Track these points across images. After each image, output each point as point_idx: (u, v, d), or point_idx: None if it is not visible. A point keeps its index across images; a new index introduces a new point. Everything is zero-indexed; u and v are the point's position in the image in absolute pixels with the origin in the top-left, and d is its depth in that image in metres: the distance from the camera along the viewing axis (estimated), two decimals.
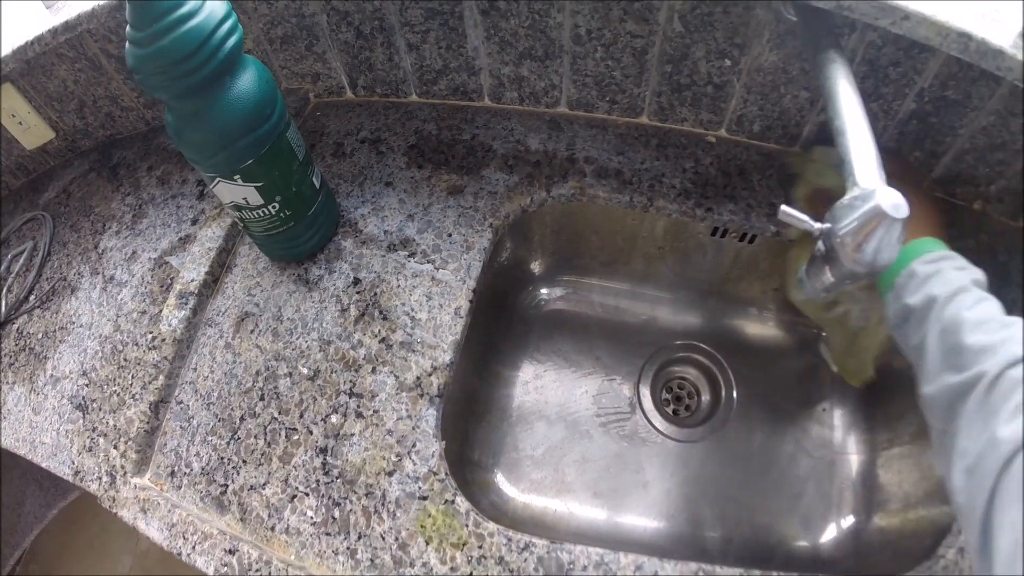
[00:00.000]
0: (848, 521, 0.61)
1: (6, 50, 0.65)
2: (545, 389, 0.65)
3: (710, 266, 0.65)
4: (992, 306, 0.38)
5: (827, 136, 0.45)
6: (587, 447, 0.64)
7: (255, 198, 0.49)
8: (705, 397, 0.68)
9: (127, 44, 0.41)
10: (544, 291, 0.69)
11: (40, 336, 0.64)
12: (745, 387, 0.67)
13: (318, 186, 0.54)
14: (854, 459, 0.64)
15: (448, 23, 0.57)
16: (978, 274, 0.41)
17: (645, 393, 0.66)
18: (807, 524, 0.61)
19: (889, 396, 0.64)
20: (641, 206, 0.57)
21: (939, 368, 0.37)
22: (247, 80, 0.45)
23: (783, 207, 0.41)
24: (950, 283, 0.39)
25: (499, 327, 0.66)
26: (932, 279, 0.40)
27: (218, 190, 0.49)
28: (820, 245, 0.41)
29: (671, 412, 0.67)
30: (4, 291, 0.70)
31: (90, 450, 0.55)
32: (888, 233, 0.36)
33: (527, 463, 0.62)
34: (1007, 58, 0.42)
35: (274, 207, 0.50)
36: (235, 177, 0.47)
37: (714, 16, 0.52)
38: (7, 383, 0.63)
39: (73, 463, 0.55)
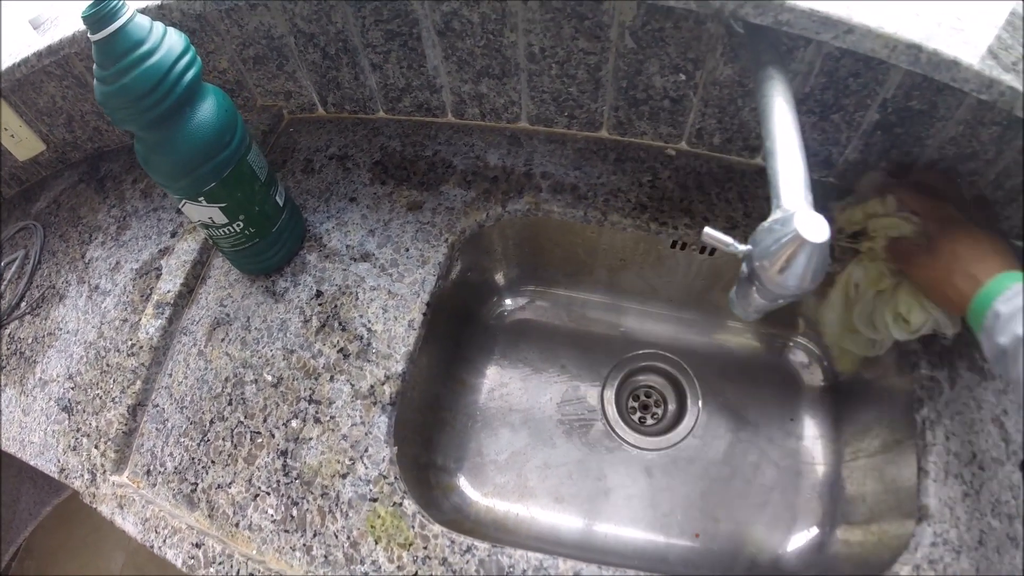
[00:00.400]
0: (812, 532, 0.64)
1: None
2: (510, 396, 0.71)
3: (674, 277, 0.69)
4: None
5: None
6: (550, 453, 0.69)
7: (220, 217, 0.55)
8: (671, 406, 0.72)
9: (95, 80, 0.47)
10: (509, 301, 0.75)
11: (30, 341, 0.72)
12: (712, 396, 0.71)
13: (282, 204, 0.60)
14: (820, 470, 0.67)
15: (407, 44, 0.62)
16: None
17: (610, 400, 0.71)
18: (771, 534, 0.64)
19: (857, 407, 0.67)
20: (596, 220, 0.62)
21: None
22: (207, 110, 0.51)
23: (707, 229, 0.42)
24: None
25: (464, 337, 0.71)
26: (1016, 317, 0.41)
27: (186, 210, 0.55)
28: (744, 268, 0.42)
29: (637, 420, 0.71)
30: None
31: (74, 449, 0.62)
32: (809, 259, 0.36)
33: (491, 468, 0.68)
34: (963, 69, 0.44)
35: (238, 225, 0.57)
36: (200, 199, 0.53)
37: (665, 31, 0.55)
38: None
39: (59, 461, 0.63)
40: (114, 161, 0.82)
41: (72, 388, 0.66)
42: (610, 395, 0.71)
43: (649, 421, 0.72)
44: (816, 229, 0.36)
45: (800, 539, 0.64)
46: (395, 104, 0.69)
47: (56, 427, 0.64)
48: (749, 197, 0.64)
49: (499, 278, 0.73)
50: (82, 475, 0.61)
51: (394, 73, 0.65)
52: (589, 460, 0.69)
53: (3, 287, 0.78)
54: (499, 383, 0.72)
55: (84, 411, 0.64)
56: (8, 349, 0.73)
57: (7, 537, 1.01)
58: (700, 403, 0.70)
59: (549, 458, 0.68)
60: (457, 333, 0.69)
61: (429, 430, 0.65)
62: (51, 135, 0.82)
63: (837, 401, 0.70)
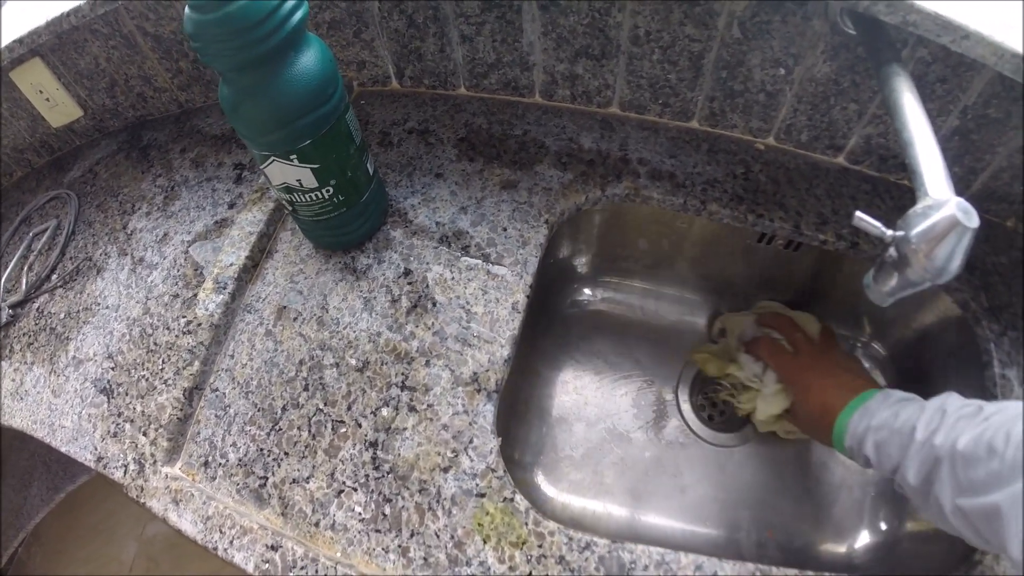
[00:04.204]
0: (880, 527, 0.59)
1: (41, 20, 0.61)
2: (584, 390, 0.63)
3: (752, 273, 0.63)
4: (911, 414, 0.41)
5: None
6: (626, 449, 0.61)
7: (309, 180, 0.46)
8: None
9: (186, 8, 0.38)
10: (587, 292, 0.67)
11: (62, 316, 0.60)
12: None
13: (371, 172, 0.51)
14: None
15: (505, 16, 0.54)
16: (888, 407, 0.44)
17: (684, 397, 0.64)
18: (840, 530, 0.59)
19: None
20: (694, 209, 0.56)
21: (951, 495, 0.37)
22: (311, 57, 0.42)
23: (858, 213, 0.40)
24: (883, 448, 0.42)
25: (540, 326, 0.63)
26: (866, 442, 0.43)
27: (270, 170, 0.46)
28: (892, 251, 0.40)
29: (707, 417, 0.65)
30: (25, 269, 0.66)
31: (115, 436, 0.52)
32: (961, 241, 0.36)
33: (566, 464, 0.60)
34: None
35: (327, 191, 0.48)
36: (291, 157, 0.44)
37: (772, 24, 0.51)
38: (25, 363, 0.59)
39: (96, 448, 0.52)
40: (159, 130, 0.71)
41: (112, 368, 0.55)
42: (684, 391, 0.64)
43: (718, 418, 0.65)
44: (969, 215, 0.36)
45: (869, 536, 0.59)
46: (480, 80, 0.61)
47: (93, 411, 0.54)
48: (836, 195, 0.59)
49: (579, 267, 0.65)
50: (125, 465, 0.50)
51: (484, 47, 0.57)
52: (665, 457, 0.61)
53: (32, 259, 0.66)
54: (573, 376, 0.64)
55: (127, 394, 0.53)
56: (37, 325, 0.61)
57: (16, 523, 0.87)
58: None
59: (625, 455, 0.61)
60: (534, 322, 0.61)
61: (509, 424, 0.57)
62: (90, 100, 0.71)
63: None
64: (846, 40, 0.50)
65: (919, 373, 0.62)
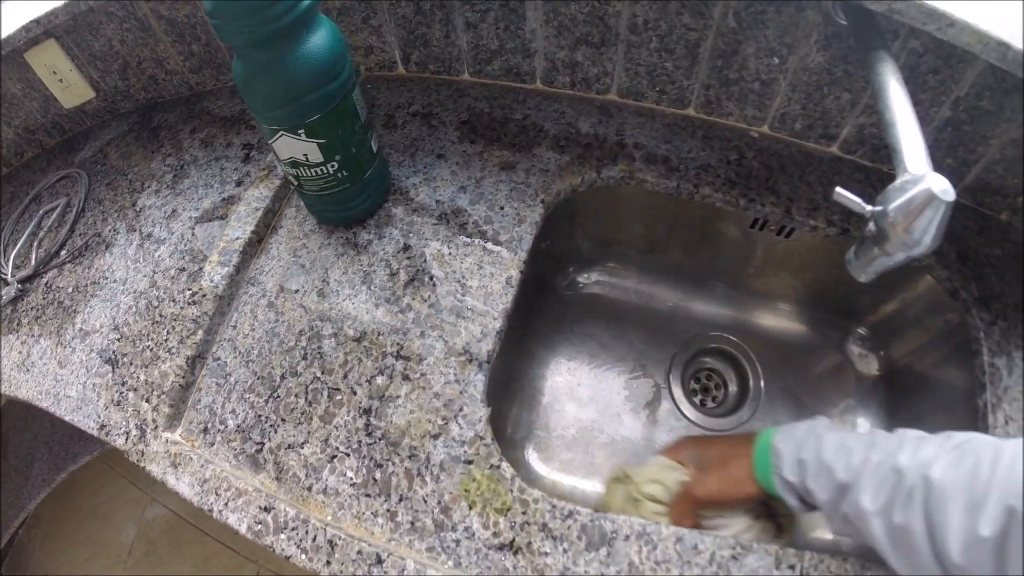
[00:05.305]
0: None
1: (59, 1, 0.63)
2: (578, 371, 0.64)
3: (745, 259, 0.64)
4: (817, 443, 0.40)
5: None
6: (617, 430, 0.62)
7: (316, 155, 0.48)
8: (732, 388, 0.67)
9: None
10: (583, 275, 0.68)
11: (70, 290, 0.62)
12: (771, 380, 0.66)
13: (375, 150, 0.52)
14: None
15: (509, 4, 0.56)
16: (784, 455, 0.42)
17: (675, 381, 0.65)
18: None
19: (911, 397, 0.64)
20: (687, 193, 0.57)
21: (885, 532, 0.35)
22: (321, 36, 0.43)
23: (838, 188, 0.42)
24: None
25: (536, 307, 0.64)
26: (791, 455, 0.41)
27: (279, 144, 0.47)
28: (871, 226, 0.42)
29: (699, 402, 0.65)
30: (35, 245, 0.67)
31: (118, 404, 0.53)
32: (938, 214, 0.37)
33: (557, 443, 0.61)
34: None
35: (332, 166, 0.49)
36: (299, 132, 0.46)
37: (766, 15, 0.52)
38: (33, 336, 0.60)
39: (99, 416, 0.53)
40: (169, 112, 0.73)
41: (118, 339, 0.56)
42: (676, 375, 0.65)
43: (710, 403, 0.66)
44: (944, 189, 0.37)
45: None
46: (483, 67, 0.62)
47: (97, 380, 0.55)
48: (828, 183, 0.60)
49: (576, 250, 0.66)
50: (127, 432, 0.51)
51: (488, 33, 0.59)
52: (655, 439, 0.62)
53: (42, 235, 0.68)
54: (567, 357, 0.65)
55: (131, 364, 0.54)
56: (44, 299, 0.62)
57: (16, 503, 0.88)
58: (762, 387, 0.65)
59: (616, 435, 0.62)
60: (530, 304, 0.62)
61: (499, 400, 0.58)
62: (102, 82, 0.73)
63: (892, 390, 0.66)
64: (838, 30, 0.51)
65: (910, 362, 0.63)
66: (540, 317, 0.65)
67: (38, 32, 0.64)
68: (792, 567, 0.41)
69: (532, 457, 0.60)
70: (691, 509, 0.47)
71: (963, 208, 0.60)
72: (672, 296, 0.68)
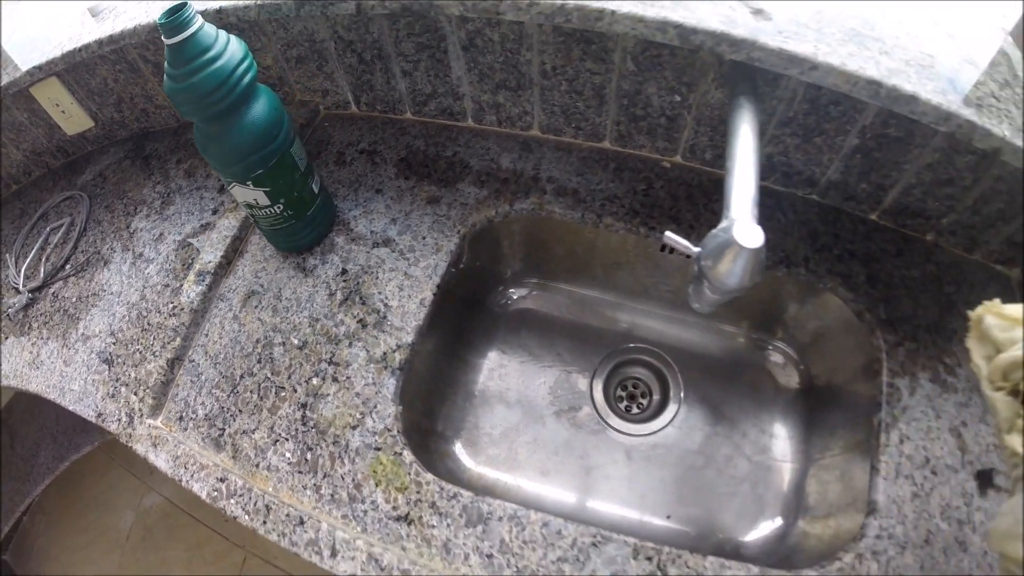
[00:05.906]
0: (776, 523, 0.73)
1: (56, 52, 0.85)
2: (507, 377, 0.82)
3: (664, 279, 0.80)
4: None
5: None
6: (540, 431, 0.80)
7: (263, 200, 0.68)
8: (656, 397, 0.83)
9: (165, 77, 0.59)
10: (513, 291, 0.87)
11: (74, 300, 0.85)
12: (693, 390, 0.82)
13: (316, 191, 0.72)
14: (788, 466, 0.78)
15: (435, 55, 0.75)
16: None
17: (598, 388, 0.82)
18: (737, 522, 0.74)
19: (826, 410, 0.77)
20: (591, 223, 0.74)
21: None
22: (259, 108, 0.63)
23: (667, 233, 0.52)
24: None
25: (470, 322, 0.83)
26: None
27: (234, 191, 0.68)
28: (695, 267, 0.50)
29: (623, 408, 0.83)
30: (43, 260, 0.91)
31: (113, 396, 0.75)
32: (746, 261, 0.45)
33: (485, 439, 0.80)
34: (920, 103, 0.52)
35: (279, 207, 0.69)
36: (248, 183, 0.66)
37: (662, 58, 0.66)
38: (42, 338, 0.84)
39: (97, 407, 0.75)
40: (159, 141, 0.96)
41: (114, 343, 0.78)
42: (599, 383, 0.83)
43: (635, 410, 0.83)
44: (752, 237, 0.44)
45: (764, 529, 0.74)
46: (421, 108, 0.82)
47: (96, 377, 0.77)
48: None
49: (506, 270, 0.85)
50: (119, 419, 0.73)
51: (422, 80, 0.78)
52: (575, 440, 0.80)
53: (50, 251, 0.91)
54: (498, 364, 0.83)
55: (124, 363, 0.76)
56: (52, 307, 0.86)
57: (23, 490, 1.14)
58: (682, 396, 0.82)
59: (538, 435, 0.80)
60: (464, 318, 0.80)
61: (431, 401, 0.77)
62: (100, 113, 0.96)
63: (809, 403, 0.80)
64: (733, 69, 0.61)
65: (828, 377, 0.77)
66: (473, 329, 0.84)
67: (40, 76, 0.87)
68: (649, 559, 0.56)
69: (461, 452, 0.79)
70: None
71: (882, 230, 0.71)
72: (599, 311, 0.85)
